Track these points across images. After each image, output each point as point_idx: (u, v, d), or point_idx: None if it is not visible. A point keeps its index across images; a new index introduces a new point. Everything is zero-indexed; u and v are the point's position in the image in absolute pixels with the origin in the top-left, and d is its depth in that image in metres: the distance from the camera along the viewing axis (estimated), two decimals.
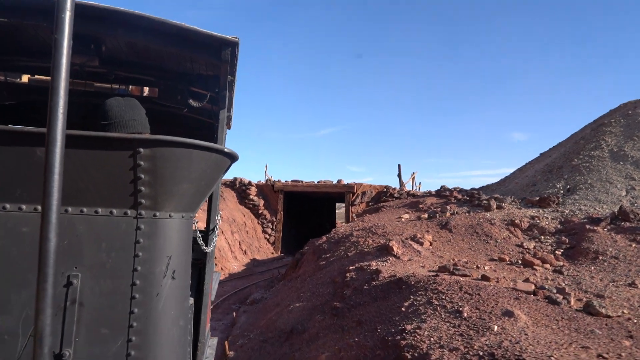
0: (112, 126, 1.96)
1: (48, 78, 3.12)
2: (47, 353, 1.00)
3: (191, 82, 2.95)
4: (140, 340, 1.62)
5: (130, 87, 3.30)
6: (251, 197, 24.13)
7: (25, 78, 3.24)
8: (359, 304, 5.95)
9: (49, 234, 1.01)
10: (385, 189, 23.67)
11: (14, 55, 2.77)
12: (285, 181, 24.80)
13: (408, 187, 24.40)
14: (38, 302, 0.99)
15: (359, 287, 6.72)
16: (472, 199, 13.69)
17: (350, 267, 7.56)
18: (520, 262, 7.67)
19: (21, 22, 2.13)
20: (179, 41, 2.26)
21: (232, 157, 1.98)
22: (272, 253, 23.22)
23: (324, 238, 12.14)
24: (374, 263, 7.41)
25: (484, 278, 6.20)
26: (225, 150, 1.89)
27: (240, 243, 20.35)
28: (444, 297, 4.84)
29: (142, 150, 1.60)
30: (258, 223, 23.79)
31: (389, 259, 7.51)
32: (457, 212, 12.39)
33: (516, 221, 9.67)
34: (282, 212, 23.83)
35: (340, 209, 41.43)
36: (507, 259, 7.88)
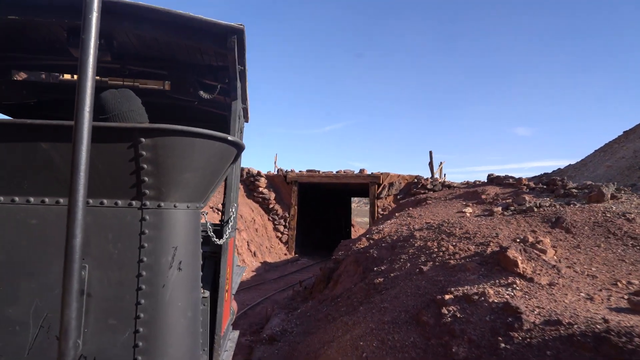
0: (110, 119, 1.89)
1: (68, 77, 3.23)
2: (72, 346, 1.00)
3: (202, 74, 2.83)
4: (147, 331, 1.60)
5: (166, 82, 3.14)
6: (260, 189, 20.95)
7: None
8: None
9: (75, 230, 1.00)
10: (415, 180, 20.41)
11: (27, 53, 2.68)
12: (300, 171, 21.58)
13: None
14: (64, 296, 1.00)
15: (481, 341, 3.54)
16: (554, 187, 10.44)
17: (445, 297, 4.38)
18: None
19: (32, 19, 2.07)
20: (185, 31, 2.13)
21: (238, 146, 1.96)
22: (285, 254, 20.02)
23: (365, 240, 8.93)
24: (489, 289, 4.22)
25: None
26: (229, 138, 1.84)
27: (248, 243, 17.19)
28: None
29: (143, 140, 1.59)
30: (269, 219, 20.60)
31: (515, 282, 4.31)
32: (540, 205, 9.17)
33: None
34: (296, 207, 20.64)
35: (354, 204, 38.15)
36: None
